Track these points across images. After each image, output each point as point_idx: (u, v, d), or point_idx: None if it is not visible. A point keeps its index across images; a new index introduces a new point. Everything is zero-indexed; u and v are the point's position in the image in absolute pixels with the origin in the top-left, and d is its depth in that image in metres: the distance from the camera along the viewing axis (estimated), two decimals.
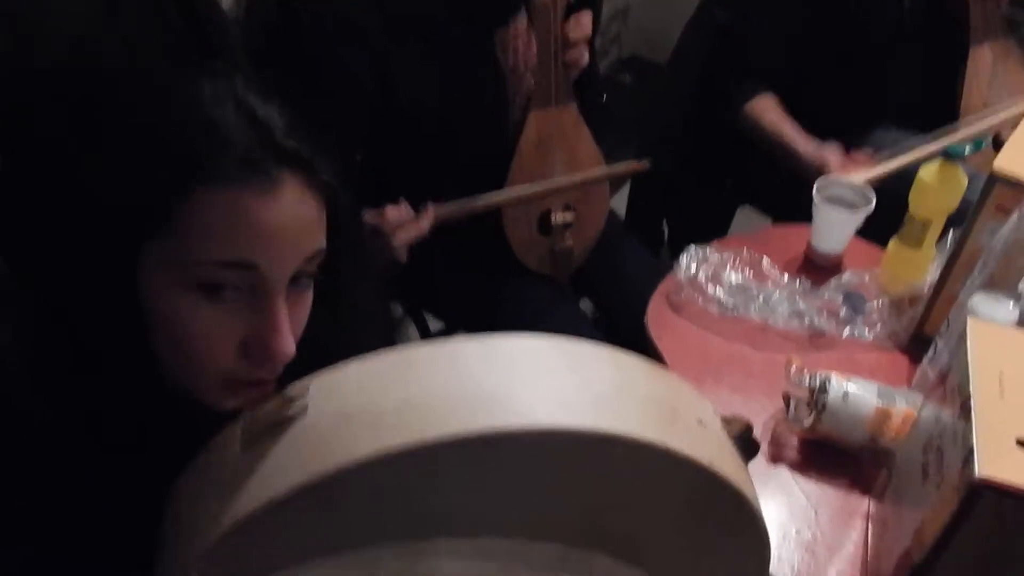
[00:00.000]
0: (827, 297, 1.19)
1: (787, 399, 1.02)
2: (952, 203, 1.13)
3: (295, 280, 0.59)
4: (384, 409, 0.47)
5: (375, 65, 1.22)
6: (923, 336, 1.13)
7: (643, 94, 2.70)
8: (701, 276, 1.22)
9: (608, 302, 1.56)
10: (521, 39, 1.31)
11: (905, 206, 1.16)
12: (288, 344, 0.58)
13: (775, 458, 1.01)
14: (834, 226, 1.27)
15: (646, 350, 1.18)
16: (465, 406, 0.47)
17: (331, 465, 0.46)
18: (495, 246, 1.41)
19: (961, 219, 1.04)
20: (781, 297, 1.20)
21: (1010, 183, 0.96)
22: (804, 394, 0.99)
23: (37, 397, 0.57)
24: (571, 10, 1.26)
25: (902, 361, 1.15)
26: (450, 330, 1.69)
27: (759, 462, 0.98)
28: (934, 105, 1.59)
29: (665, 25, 2.01)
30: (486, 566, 0.54)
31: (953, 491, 0.67)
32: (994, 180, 0.97)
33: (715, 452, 0.52)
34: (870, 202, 1.24)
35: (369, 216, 1.20)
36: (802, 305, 1.19)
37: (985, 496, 0.64)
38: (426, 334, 1.68)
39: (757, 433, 0.82)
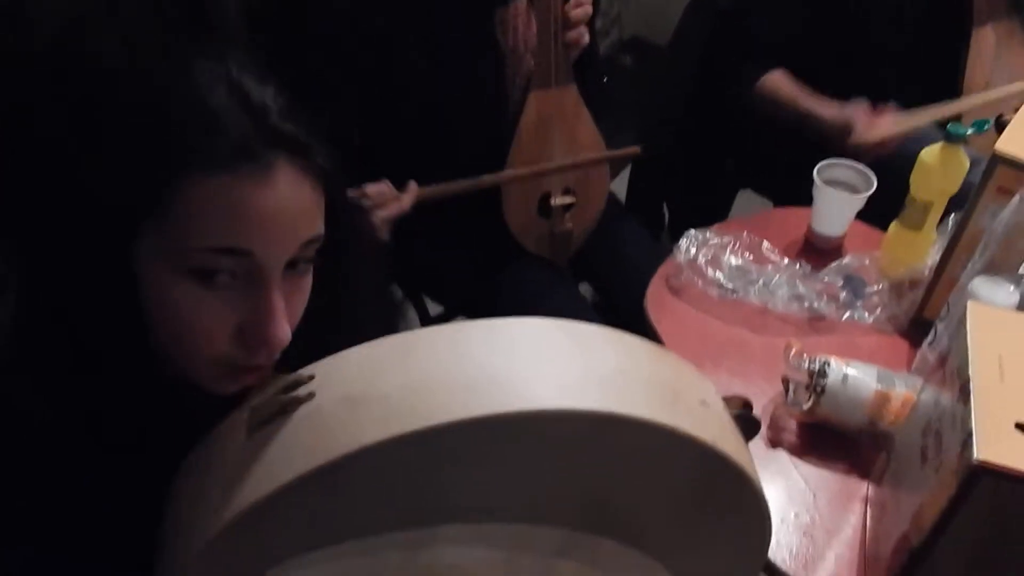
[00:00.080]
0: (827, 280, 1.19)
1: (786, 383, 1.02)
2: (954, 185, 1.12)
3: (292, 265, 0.59)
4: (389, 395, 0.47)
5: (373, 44, 1.21)
6: (923, 320, 1.12)
7: (644, 76, 2.69)
8: (701, 259, 1.22)
9: (607, 285, 1.55)
10: (521, 19, 1.30)
11: (906, 189, 1.15)
12: (283, 331, 0.57)
13: (774, 442, 1.01)
14: (835, 209, 1.26)
15: (645, 333, 1.18)
16: (470, 390, 0.47)
17: (337, 452, 0.45)
18: (494, 229, 1.41)
19: (963, 202, 1.04)
20: (781, 280, 1.20)
21: (1012, 164, 0.96)
22: (803, 378, 0.99)
23: (37, 397, 0.56)
24: None
25: (902, 345, 1.15)
26: (449, 314, 1.69)
27: (758, 446, 0.99)
28: (936, 86, 1.57)
29: (666, 6, 2.00)
30: (490, 552, 0.54)
31: (952, 475, 0.67)
32: (996, 161, 0.96)
33: (718, 432, 0.52)
34: (871, 185, 1.24)
35: (349, 193, 1.20)
36: (802, 288, 1.18)
37: (984, 480, 0.64)
38: (425, 318, 1.67)
39: (756, 415, 0.82)
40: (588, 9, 1.27)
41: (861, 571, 0.87)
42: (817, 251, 1.29)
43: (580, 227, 1.47)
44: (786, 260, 1.23)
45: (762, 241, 1.25)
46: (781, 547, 0.90)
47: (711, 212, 1.78)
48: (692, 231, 1.25)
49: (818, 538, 0.91)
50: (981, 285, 0.95)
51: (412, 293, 1.66)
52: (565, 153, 1.39)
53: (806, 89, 1.50)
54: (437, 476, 0.49)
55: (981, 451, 0.64)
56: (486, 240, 1.43)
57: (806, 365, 0.99)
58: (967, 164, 1.10)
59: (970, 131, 1.11)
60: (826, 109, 1.46)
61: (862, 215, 1.27)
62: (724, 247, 1.24)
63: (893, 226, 1.20)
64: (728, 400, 0.57)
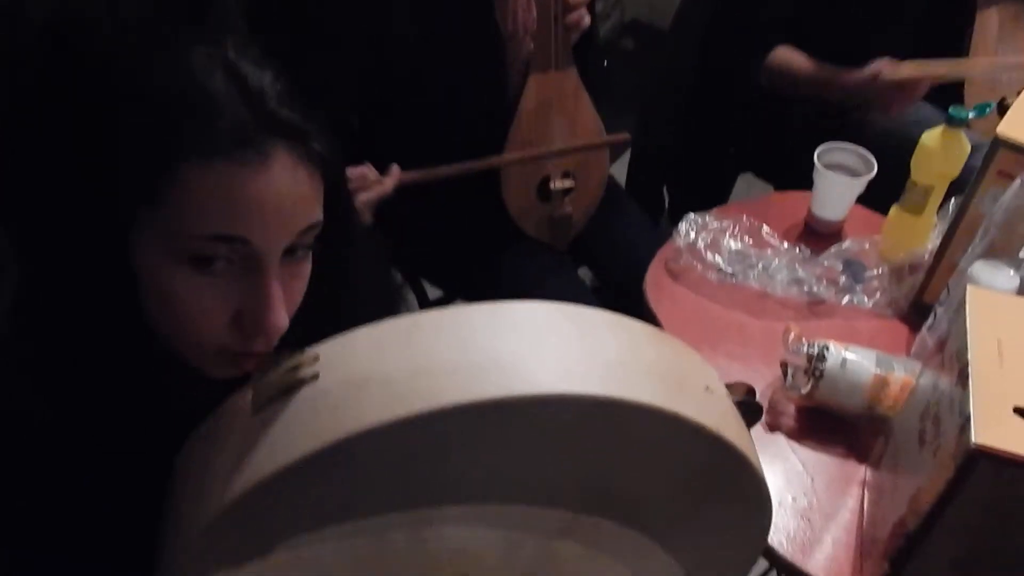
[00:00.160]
0: (827, 264, 1.19)
1: (785, 367, 1.02)
2: (955, 169, 1.12)
3: (290, 252, 0.58)
4: (394, 376, 0.47)
5: (370, 26, 1.20)
6: (923, 304, 1.12)
7: (644, 59, 2.67)
8: (700, 243, 1.22)
9: (607, 269, 1.55)
10: (521, 2, 1.29)
11: (907, 173, 1.15)
12: (281, 319, 0.57)
13: (772, 426, 1.01)
14: (835, 193, 1.26)
15: (644, 317, 1.17)
16: (475, 373, 0.47)
17: (342, 432, 0.45)
18: (494, 212, 1.41)
19: (964, 186, 1.03)
20: (780, 264, 1.19)
21: (1014, 148, 0.95)
22: (802, 362, 0.99)
23: (37, 397, 0.56)
24: None
25: (901, 329, 1.15)
26: (448, 298, 1.69)
27: (756, 429, 0.98)
28: None
29: None
30: (493, 533, 0.54)
31: (949, 459, 0.67)
32: (997, 145, 0.96)
33: (721, 418, 0.52)
34: (872, 168, 1.23)
35: None
36: (801, 273, 1.18)
37: (981, 464, 0.64)
38: (424, 302, 1.67)
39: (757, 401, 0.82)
40: None
41: (858, 554, 0.88)
42: (817, 235, 1.29)
43: (580, 211, 1.47)
44: (786, 244, 1.23)
45: (762, 225, 1.25)
46: (779, 530, 0.90)
47: (711, 196, 1.78)
48: (692, 215, 1.25)
49: (815, 522, 0.91)
50: (981, 269, 0.95)
51: (411, 277, 1.65)
52: (565, 137, 1.38)
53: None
54: (440, 458, 0.49)
55: (979, 435, 0.64)
56: (485, 224, 1.43)
57: (805, 349, 0.99)
58: (968, 148, 1.10)
59: (972, 114, 1.11)
60: (845, 73, 1.44)
61: (862, 199, 1.27)
62: (724, 231, 1.23)
63: (893, 210, 1.20)
64: (732, 387, 0.57)
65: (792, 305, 1.18)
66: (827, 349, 0.97)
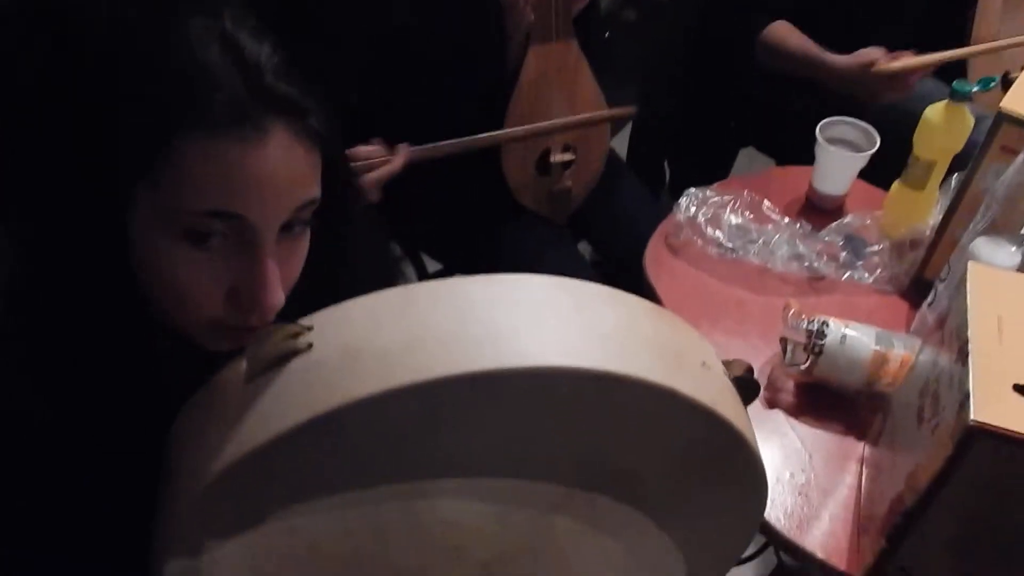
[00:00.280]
0: (827, 240, 1.18)
1: (784, 343, 1.02)
2: (957, 144, 1.11)
3: (287, 228, 0.58)
4: (389, 347, 0.47)
5: (369, 1, 1.18)
6: (923, 280, 1.12)
7: (646, 31, 2.65)
8: (700, 218, 1.21)
9: (606, 244, 1.55)
10: None
11: (909, 147, 1.14)
12: (276, 295, 0.57)
13: (771, 402, 1.01)
14: (837, 168, 1.25)
15: (643, 292, 1.17)
16: (470, 345, 0.46)
17: (334, 403, 0.45)
18: (493, 186, 1.40)
19: (967, 161, 1.02)
20: (781, 240, 1.19)
21: (1017, 123, 0.94)
22: (801, 338, 0.99)
23: (37, 397, 0.56)
24: None
25: (901, 306, 1.14)
26: (447, 271, 1.68)
27: (754, 406, 0.98)
28: (943, 45, 1.55)
29: None
30: (487, 507, 0.54)
31: (948, 436, 0.66)
32: (1001, 119, 0.95)
33: (718, 395, 0.52)
34: (874, 143, 1.22)
35: None
36: (802, 248, 1.18)
37: (980, 441, 0.64)
38: (424, 276, 1.67)
39: (755, 378, 0.82)
40: None
41: (855, 531, 0.88)
42: (818, 210, 1.28)
43: (579, 185, 1.45)
44: (786, 219, 1.22)
45: (763, 200, 1.24)
46: (776, 506, 0.90)
47: (712, 170, 1.76)
48: (692, 189, 1.24)
49: (813, 498, 0.91)
50: (982, 246, 0.94)
51: (410, 250, 1.65)
52: (565, 110, 1.37)
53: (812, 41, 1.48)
54: (433, 430, 0.49)
55: (978, 412, 0.63)
56: (485, 196, 1.42)
57: (804, 325, 0.99)
58: (971, 122, 1.09)
59: (975, 88, 1.09)
60: (838, 57, 1.42)
61: (864, 174, 1.26)
62: (724, 206, 1.23)
63: (895, 185, 1.19)
64: (730, 364, 0.57)
65: (792, 281, 1.17)
66: (827, 325, 0.97)
